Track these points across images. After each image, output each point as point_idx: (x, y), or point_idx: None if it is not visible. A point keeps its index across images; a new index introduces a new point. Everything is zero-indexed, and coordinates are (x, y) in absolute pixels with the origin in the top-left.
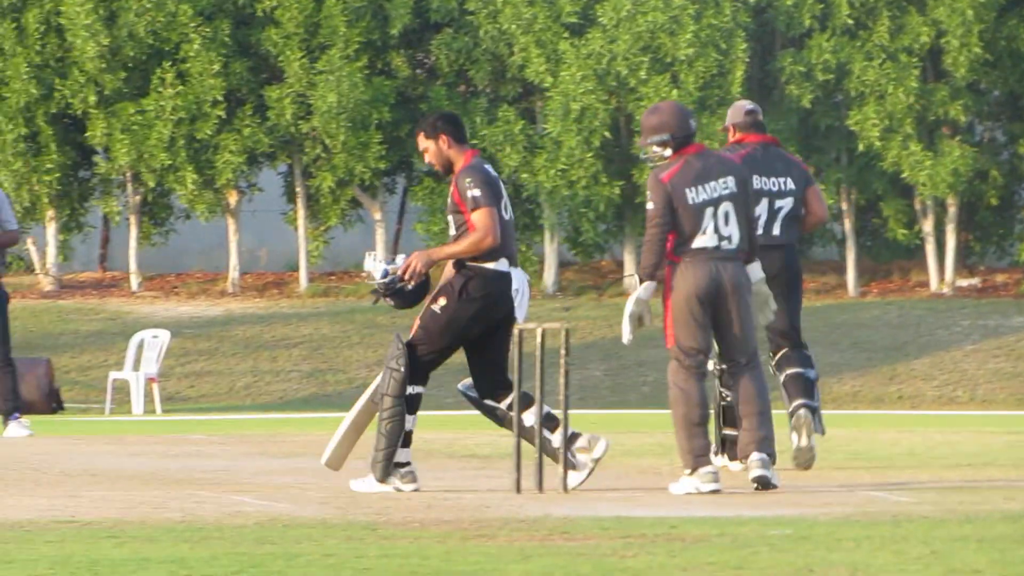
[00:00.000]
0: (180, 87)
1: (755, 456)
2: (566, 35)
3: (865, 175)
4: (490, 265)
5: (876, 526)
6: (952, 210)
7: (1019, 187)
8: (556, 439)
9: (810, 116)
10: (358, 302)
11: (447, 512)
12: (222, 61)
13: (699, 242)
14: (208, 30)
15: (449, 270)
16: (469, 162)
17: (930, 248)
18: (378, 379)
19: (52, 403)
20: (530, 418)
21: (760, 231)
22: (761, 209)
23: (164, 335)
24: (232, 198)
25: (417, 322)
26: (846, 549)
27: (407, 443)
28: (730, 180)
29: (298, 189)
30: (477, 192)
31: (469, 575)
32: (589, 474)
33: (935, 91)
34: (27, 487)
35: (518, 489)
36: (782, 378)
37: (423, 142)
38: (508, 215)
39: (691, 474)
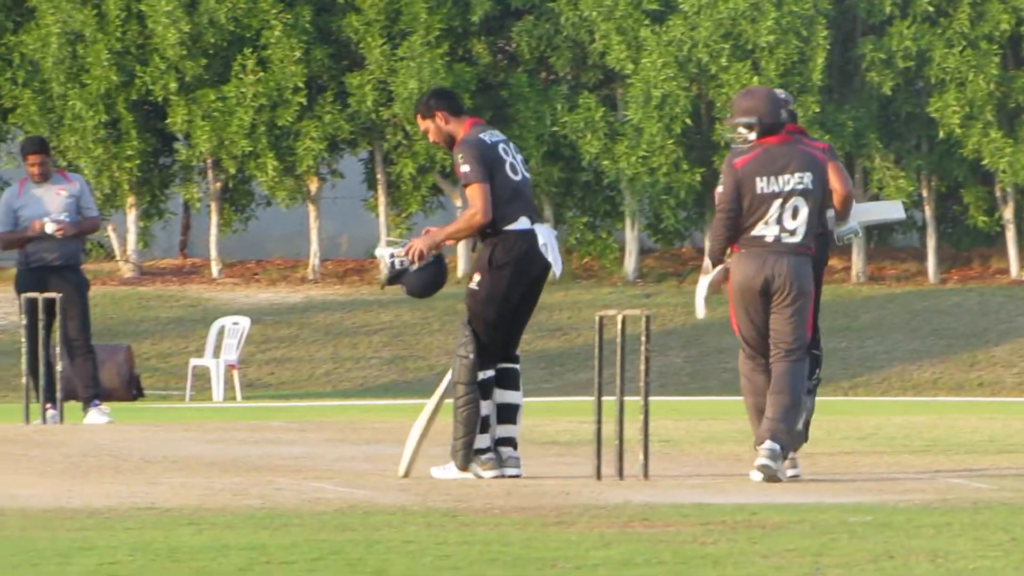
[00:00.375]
0: (261, 74)
1: (766, 444)
2: (647, 22)
3: (945, 162)
4: (511, 227)
5: (956, 513)
6: None
7: None
8: (483, 440)
9: (891, 103)
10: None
11: (527, 499)
12: (303, 48)
13: (759, 231)
14: (289, 17)
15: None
16: (465, 134)
17: (1010, 235)
18: (443, 383)
19: (132, 390)
20: (519, 397)
21: None
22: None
23: (244, 322)
24: (313, 185)
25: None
26: (926, 536)
27: (484, 429)
28: (807, 176)
29: (379, 176)
30: (466, 168)
31: (549, 562)
32: (448, 472)
33: (1016, 78)
34: (107, 474)
35: (599, 476)
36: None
37: (422, 123)
38: (519, 176)
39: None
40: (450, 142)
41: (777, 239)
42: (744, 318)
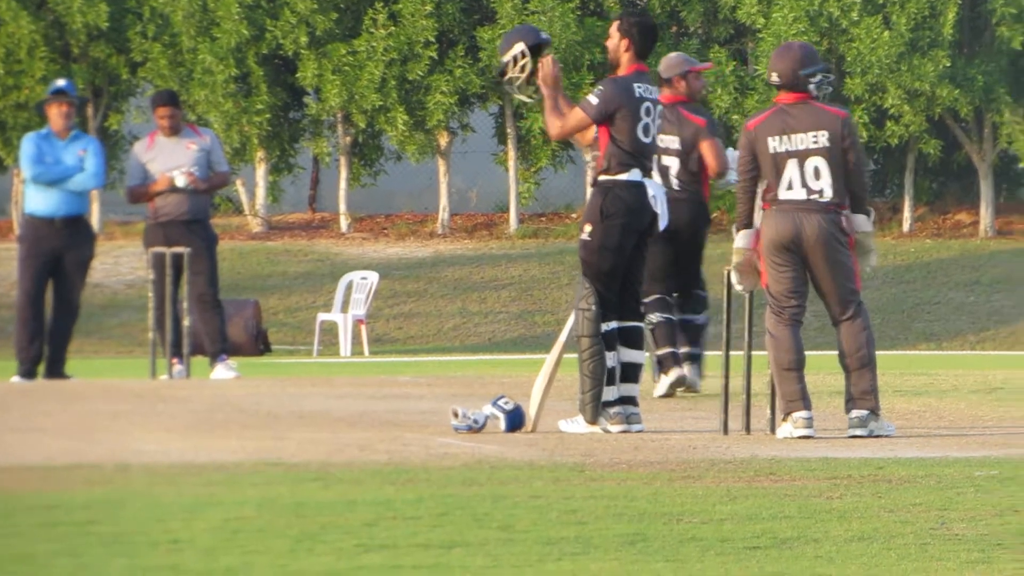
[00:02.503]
0: (392, 28)
1: (853, 414)
2: None
3: None
4: (622, 177)
5: None
6: None
7: None
8: (610, 392)
9: (1021, 58)
10: (568, 243)
11: (654, 453)
12: (434, 2)
13: (784, 194)
14: None
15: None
16: (622, 74)
17: None
18: (563, 335)
19: (259, 345)
20: (643, 356)
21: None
22: (670, 162)
23: (373, 277)
24: (443, 139)
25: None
26: None
27: (611, 381)
28: (823, 135)
29: (509, 130)
30: (592, 99)
31: (676, 516)
32: (577, 426)
33: None
34: (234, 429)
35: (725, 431)
36: (676, 320)
37: (612, 32)
38: (649, 139)
39: (784, 419)
40: (612, 69)
41: (807, 200)
42: (776, 274)
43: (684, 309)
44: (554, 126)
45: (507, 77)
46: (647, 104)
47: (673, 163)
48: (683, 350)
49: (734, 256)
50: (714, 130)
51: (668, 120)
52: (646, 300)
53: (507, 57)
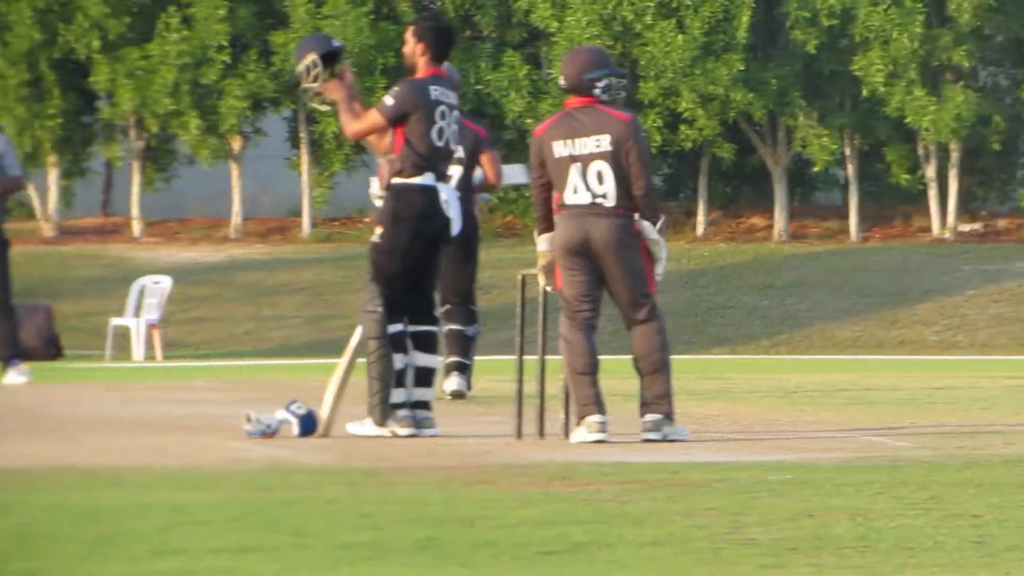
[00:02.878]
0: (185, 32)
1: (647, 418)
2: None
3: (869, 120)
4: (415, 180)
5: (876, 471)
6: (955, 155)
7: (1022, 132)
8: (399, 394)
9: (815, 62)
10: (361, 248)
11: (448, 458)
12: (227, 6)
13: (570, 198)
14: None
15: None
16: (419, 76)
17: (933, 193)
18: (353, 339)
19: (52, 350)
20: (436, 361)
21: None
22: (453, 171)
23: (166, 281)
24: (236, 143)
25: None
26: (846, 494)
27: (400, 383)
28: (605, 138)
29: (302, 135)
30: (388, 100)
31: (470, 521)
32: (365, 428)
33: (939, 36)
34: (26, 434)
35: (519, 435)
36: (445, 330)
37: (408, 37)
38: (442, 143)
39: (578, 423)
40: (409, 73)
41: (592, 204)
42: (568, 278)
43: (455, 320)
44: (350, 127)
45: (302, 87)
46: (443, 108)
47: (456, 172)
48: (451, 359)
49: (539, 259)
50: (491, 141)
51: None
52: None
53: (300, 68)
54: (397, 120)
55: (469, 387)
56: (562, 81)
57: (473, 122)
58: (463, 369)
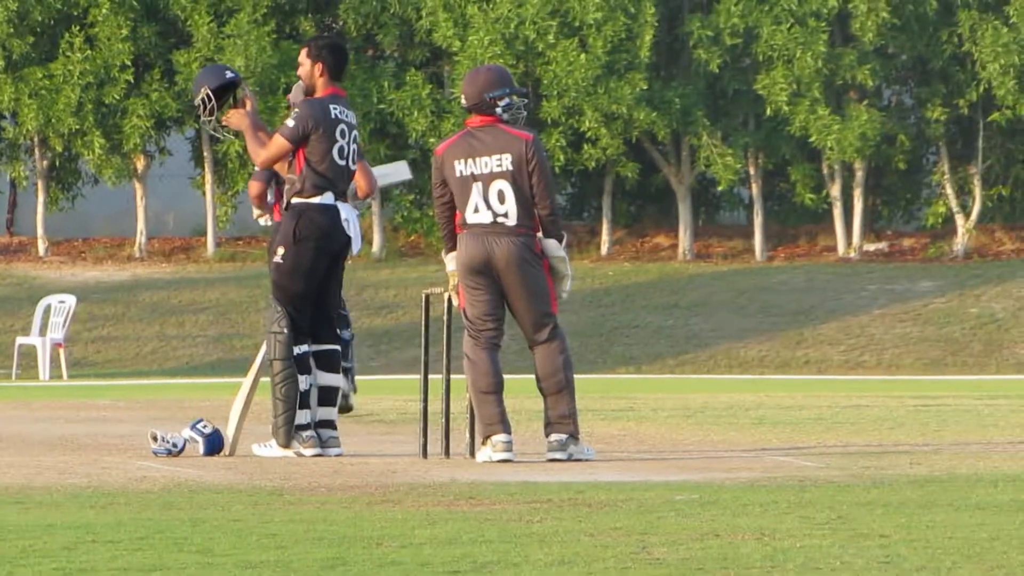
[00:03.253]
0: (88, 51)
1: (552, 438)
2: None
3: (773, 139)
4: (315, 200)
5: (782, 491)
6: (859, 174)
7: (926, 152)
8: (303, 416)
9: (718, 80)
10: (265, 267)
11: (353, 477)
12: (130, 25)
13: (472, 217)
14: None
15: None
16: (319, 96)
17: (837, 212)
18: (258, 359)
19: None
20: (340, 380)
21: None
22: None
23: (71, 300)
24: (140, 163)
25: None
26: (752, 514)
27: (305, 405)
28: (506, 157)
29: (205, 154)
30: (290, 123)
31: (375, 540)
32: (270, 450)
33: (843, 55)
34: None
35: (424, 454)
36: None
37: (303, 59)
38: (344, 162)
39: (483, 443)
40: (309, 92)
41: (493, 222)
42: (471, 298)
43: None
44: (258, 156)
45: (201, 119)
46: (343, 126)
47: None
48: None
49: (449, 279)
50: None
51: None
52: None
53: (196, 101)
54: (300, 140)
55: (354, 389)
56: (463, 100)
57: None
58: (344, 372)
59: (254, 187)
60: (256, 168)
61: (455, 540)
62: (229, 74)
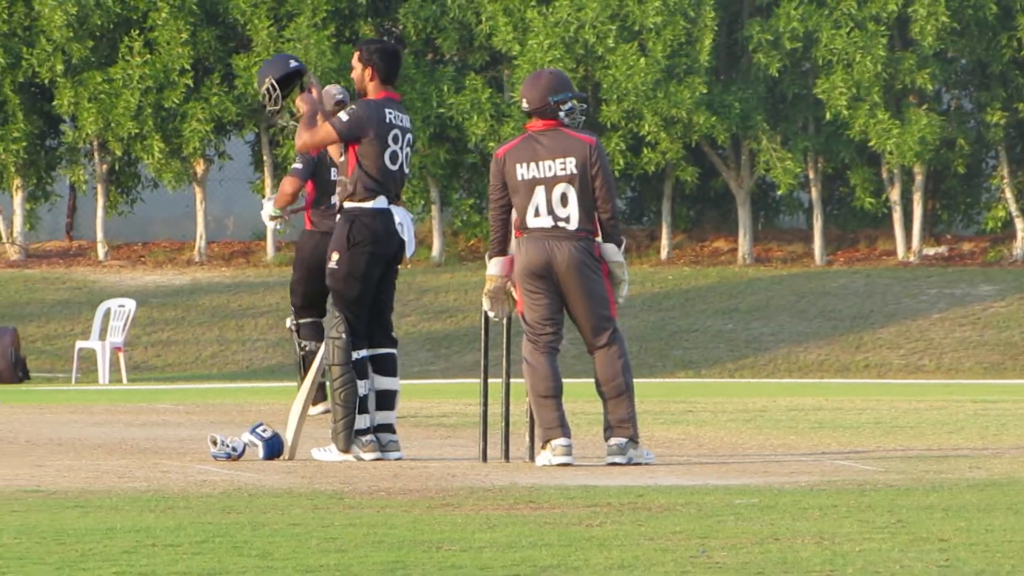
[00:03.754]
0: (148, 56)
1: (612, 442)
2: (533, 3)
3: (832, 144)
4: (368, 205)
5: (842, 495)
6: (919, 179)
7: (986, 155)
8: (363, 420)
9: (777, 85)
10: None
11: (413, 481)
12: (190, 30)
13: (533, 221)
14: None
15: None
16: (373, 98)
17: (897, 217)
18: (315, 363)
19: (18, 372)
20: (397, 383)
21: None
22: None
23: (130, 304)
24: (199, 167)
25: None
26: (812, 518)
27: (364, 409)
28: (570, 161)
29: (265, 158)
30: (344, 116)
31: (435, 544)
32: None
33: (902, 59)
34: None
35: (484, 458)
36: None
37: (356, 62)
38: (396, 166)
39: (543, 447)
40: (361, 95)
41: (554, 227)
42: (530, 302)
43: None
44: (301, 137)
45: (267, 110)
46: (396, 131)
47: None
48: None
49: (487, 283)
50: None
51: None
52: (301, 322)
53: (261, 92)
54: (349, 138)
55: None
56: (525, 104)
57: None
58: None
59: (290, 184)
60: (294, 162)
61: (515, 544)
62: (293, 63)
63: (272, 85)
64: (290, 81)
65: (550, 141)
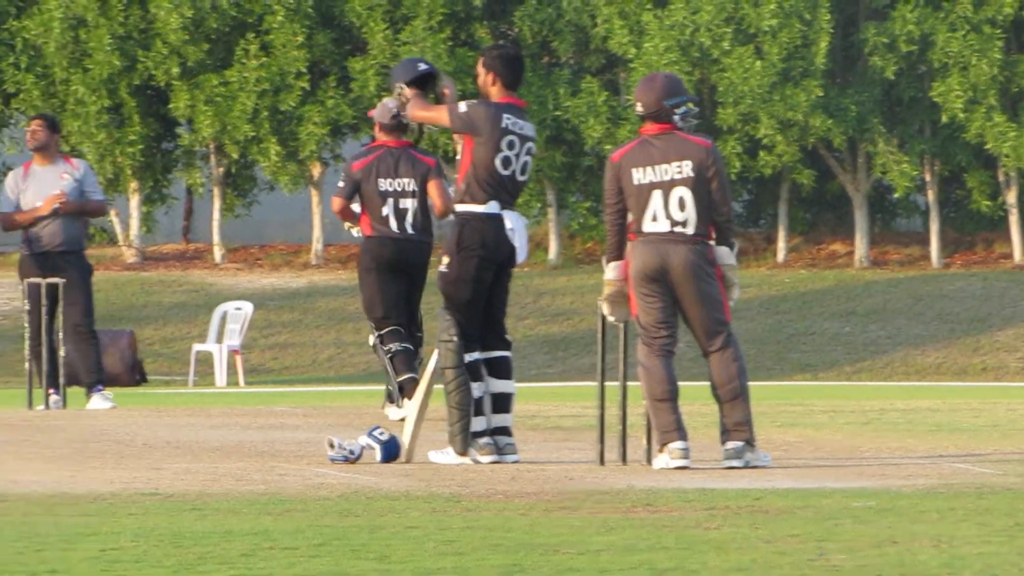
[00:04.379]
0: (263, 58)
1: (729, 445)
2: (649, 6)
3: (949, 146)
4: (480, 209)
5: (960, 498)
6: None
7: None
8: (479, 423)
9: (893, 88)
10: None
11: (530, 484)
12: (305, 32)
13: (649, 226)
14: (291, 1)
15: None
16: (493, 101)
17: (1014, 219)
18: (429, 367)
19: (135, 375)
20: (512, 386)
21: (398, 229)
22: (388, 210)
23: (247, 307)
24: (315, 169)
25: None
26: (930, 521)
27: (479, 412)
28: (687, 164)
29: None
30: (463, 108)
31: (552, 547)
32: (447, 457)
33: (1019, 62)
34: (110, 460)
35: (602, 461)
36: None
37: (480, 67)
38: (509, 172)
39: (660, 450)
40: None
41: (670, 231)
42: (645, 305)
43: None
44: (412, 109)
45: (400, 115)
46: (512, 137)
47: (411, 205)
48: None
49: (605, 287)
50: (441, 171)
51: (403, 162)
52: (382, 332)
53: (394, 96)
54: (459, 128)
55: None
56: (640, 108)
57: (423, 153)
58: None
59: (335, 203)
60: (339, 184)
61: (632, 547)
62: (422, 67)
63: (400, 88)
64: (424, 84)
65: (666, 145)
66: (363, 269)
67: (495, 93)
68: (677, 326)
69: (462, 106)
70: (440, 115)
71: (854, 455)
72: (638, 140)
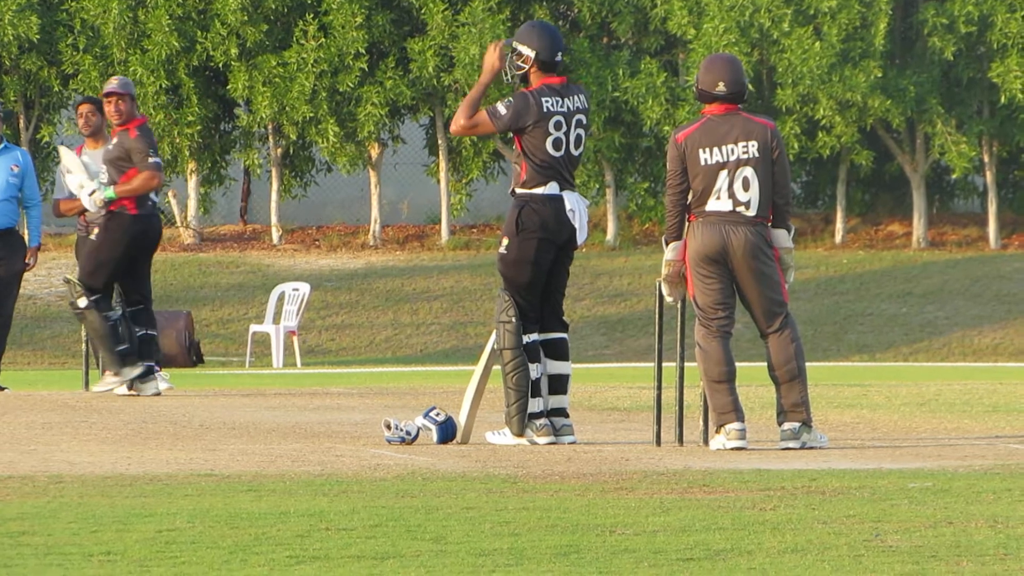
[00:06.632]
0: (322, 39)
1: (785, 426)
2: None
3: (1007, 127)
4: (539, 191)
5: (1016, 478)
6: None
7: None
8: (536, 404)
9: (952, 68)
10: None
11: (587, 465)
12: (364, 13)
13: (712, 205)
14: None
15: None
16: (533, 88)
17: None
18: (487, 348)
19: (192, 356)
20: (569, 367)
21: None
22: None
23: (304, 288)
24: (374, 151)
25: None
26: (986, 502)
27: (536, 393)
28: (753, 145)
29: (440, 142)
30: (501, 108)
31: (609, 527)
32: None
33: None
34: (166, 441)
35: (658, 442)
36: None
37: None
38: (561, 152)
39: (717, 431)
40: (523, 82)
41: (732, 211)
42: (703, 286)
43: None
44: (457, 121)
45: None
46: (558, 118)
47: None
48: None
49: (663, 268)
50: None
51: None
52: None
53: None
54: (508, 129)
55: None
56: (722, 87)
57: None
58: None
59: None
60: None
61: (688, 527)
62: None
63: (508, 45)
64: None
65: (731, 125)
66: None
67: (533, 76)
68: (735, 307)
69: (500, 108)
70: (483, 124)
71: (910, 436)
72: (702, 120)
